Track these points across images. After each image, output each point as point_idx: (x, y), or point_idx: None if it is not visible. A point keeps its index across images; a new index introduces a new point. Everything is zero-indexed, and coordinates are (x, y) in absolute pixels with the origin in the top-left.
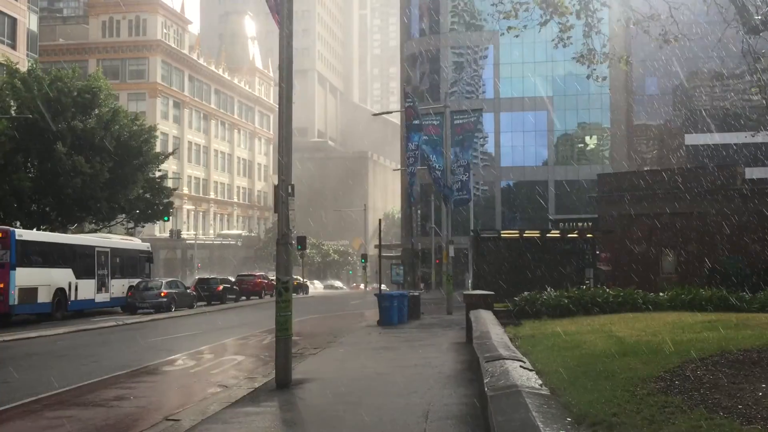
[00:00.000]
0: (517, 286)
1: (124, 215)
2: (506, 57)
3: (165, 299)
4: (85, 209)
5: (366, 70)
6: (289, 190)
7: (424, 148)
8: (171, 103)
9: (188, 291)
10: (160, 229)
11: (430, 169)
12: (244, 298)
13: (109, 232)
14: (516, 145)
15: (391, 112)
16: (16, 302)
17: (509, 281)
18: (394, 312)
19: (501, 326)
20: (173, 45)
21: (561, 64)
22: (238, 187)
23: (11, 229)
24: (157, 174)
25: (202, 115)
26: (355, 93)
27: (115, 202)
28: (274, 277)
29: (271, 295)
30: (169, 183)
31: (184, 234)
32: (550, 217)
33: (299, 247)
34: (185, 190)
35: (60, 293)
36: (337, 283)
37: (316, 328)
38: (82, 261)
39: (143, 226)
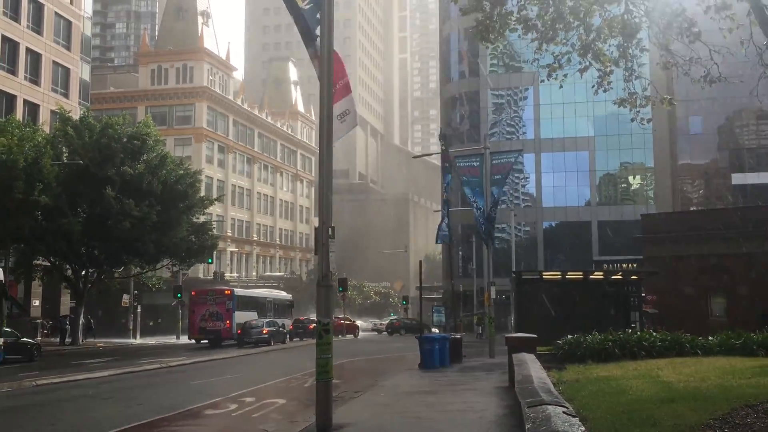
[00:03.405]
0: (560, 329)
1: (169, 258)
2: (546, 98)
3: (266, 336)
4: (132, 252)
5: (407, 112)
6: (330, 232)
7: (464, 190)
8: (216, 147)
9: (281, 330)
10: (204, 271)
11: (475, 210)
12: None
13: (154, 275)
14: (558, 186)
15: (430, 154)
16: (237, 332)
17: (552, 324)
18: (436, 355)
19: (544, 370)
20: (218, 91)
21: (602, 104)
22: (281, 229)
23: (233, 288)
24: (202, 218)
25: (245, 158)
26: (396, 135)
27: (161, 245)
28: (352, 320)
29: (352, 334)
30: (214, 226)
31: (227, 276)
32: (594, 258)
33: (341, 289)
34: (229, 232)
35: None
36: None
37: (357, 370)
38: (261, 307)
39: (188, 268)
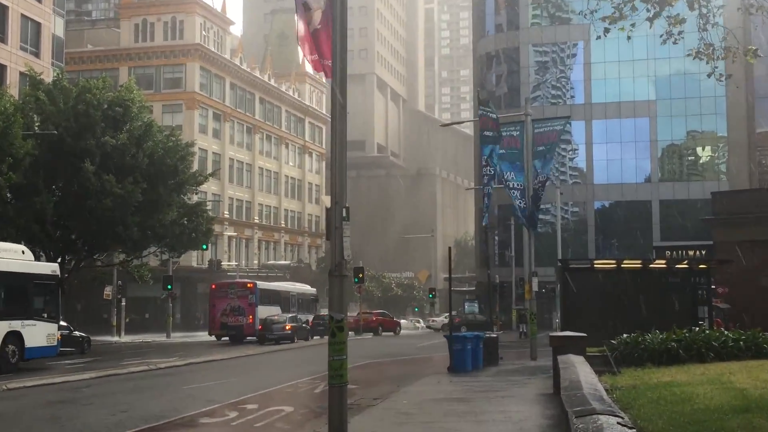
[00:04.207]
0: (614, 327)
1: (156, 244)
2: (599, 55)
3: (290, 332)
4: (113, 236)
5: (433, 73)
6: (344, 214)
7: (500, 164)
8: (210, 115)
9: (305, 326)
10: (197, 259)
11: (507, 189)
12: (352, 333)
13: (141, 263)
14: (612, 159)
15: (462, 122)
16: (259, 328)
17: (605, 321)
18: (468, 356)
19: (595, 374)
20: (213, 49)
21: (665, 62)
22: (286, 210)
23: (255, 282)
24: (195, 197)
25: (245, 128)
26: (421, 100)
27: (148, 229)
28: (391, 316)
29: (393, 331)
30: (209, 206)
31: (225, 264)
32: (654, 244)
33: (356, 279)
34: (226, 214)
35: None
36: (420, 323)
37: (376, 374)
38: (284, 302)
39: (179, 256)
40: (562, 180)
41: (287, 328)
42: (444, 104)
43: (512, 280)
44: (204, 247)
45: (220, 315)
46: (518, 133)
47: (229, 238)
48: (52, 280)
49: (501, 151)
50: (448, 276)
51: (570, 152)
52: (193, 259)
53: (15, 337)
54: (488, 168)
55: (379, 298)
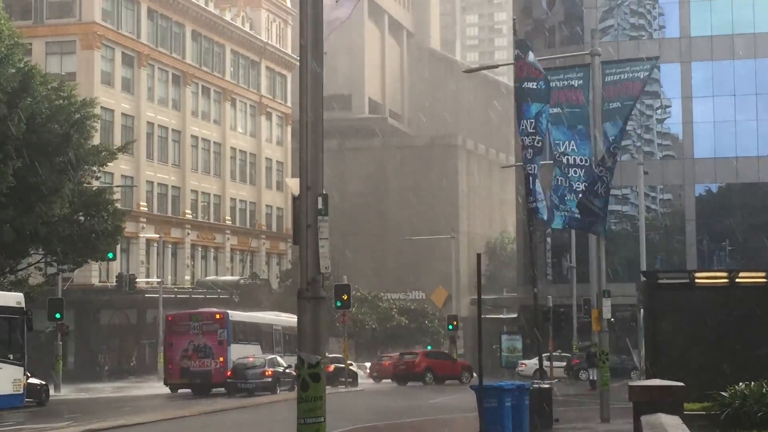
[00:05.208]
0: (725, 372)
1: (40, 250)
2: None
3: (269, 380)
4: None
5: None
6: (320, 205)
7: (551, 130)
8: (119, 57)
9: (289, 371)
10: (101, 274)
11: (561, 167)
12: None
13: (17, 279)
14: (723, 121)
15: (496, 66)
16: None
17: (712, 362)
18: (506, 418)
19: None
20: None
21: None
22: (233, 201)
23: (227, 312)
24: (97, 182)
25: (170, 77)
26: (435, 34)
27: (25, 228)
28: (454, 357)
29: (457, 379)
30: (117, 195)
31: (141, 282)
32: None
33: (338, 303)
34: (143, 207)
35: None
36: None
37: None
38: (266, 338)
39: (74, 269)
40: (646, 153)
41: (266, 374)
42: (470, 40)
43: (572, 303)
44: (110, 255)
45: (180, 358)
46: (581, 82)
47: (149, 242)
48: (17, 314)
49: (554, 111)
50: (476, 297)
51: (658, 111)
52: (93, 273)
53: None
54: (533, 137)
55: (373, 331)
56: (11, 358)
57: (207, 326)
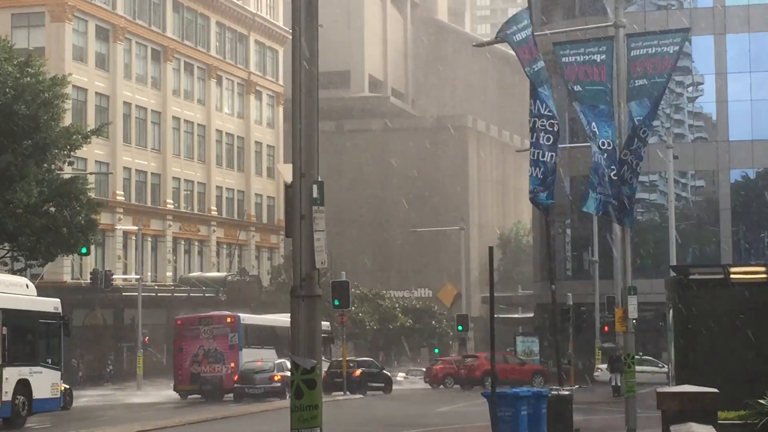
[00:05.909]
0: (763, 377)
1: (5, 244)
2: None
3: (278, 385)
4: None
5: None
6: (315, 194)
7: (576, 108)
8: (92, 30)
9: None
10: (74, 271)
11: (595, 150)
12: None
13: None
14: (762, 99)
15: (504, 41)
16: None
17: (749, 367)
18: (522, 427)
19: None
20: None
21: None
22: (219, 189)
23: (238, 315)
24: (69, 168)
25: (149, 52)
26: (441, 4)
27: None
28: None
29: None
30: (91, 183)
31: (118, 279)
32: None
33: (336, 302)
34: (120, 196)
35: None
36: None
37: None
38: (281, 342)
39: (43, 264)
40: (676, 135)
41: (275, 378)
42: (481, 10)
43: (595, 302)
44: (84, 250)
45: (190, 363)
46: (604, 57)
47: (126, 235)
48: (55, 319)
49: (576, 88)
50: (488, 294)
51: (690, 89)
52: (65, 269)
53: (23, 386)
54: (546, 120)
55: (375, 331)
56: (50, 362)
57: (217, 330)
